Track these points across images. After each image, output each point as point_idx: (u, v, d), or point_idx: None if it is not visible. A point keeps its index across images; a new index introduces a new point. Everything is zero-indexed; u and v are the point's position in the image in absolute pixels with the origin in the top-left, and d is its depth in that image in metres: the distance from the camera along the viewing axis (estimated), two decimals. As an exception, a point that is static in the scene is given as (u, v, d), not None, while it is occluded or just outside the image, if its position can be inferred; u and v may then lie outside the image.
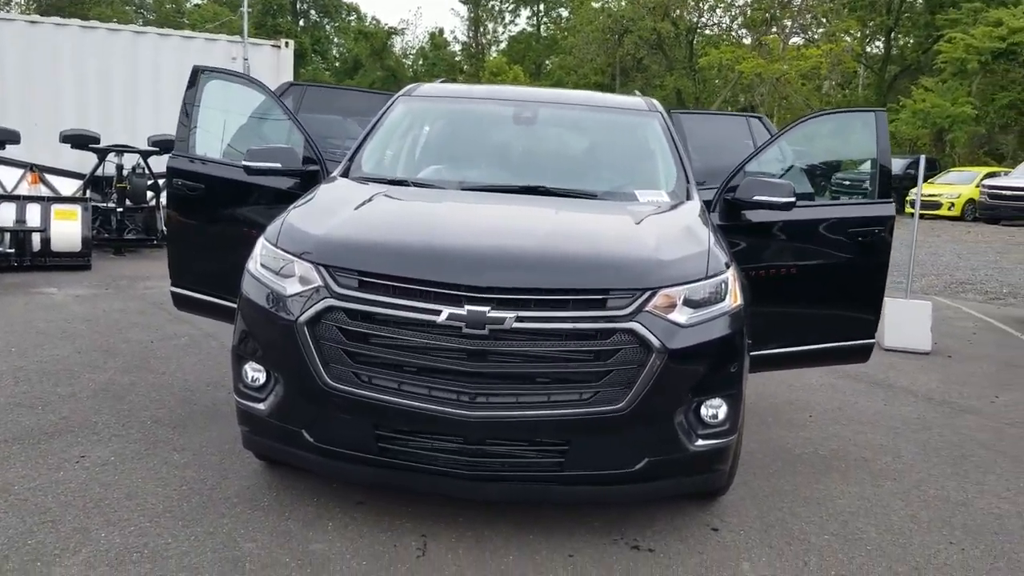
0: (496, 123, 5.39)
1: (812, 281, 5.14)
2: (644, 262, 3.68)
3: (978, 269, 15.73)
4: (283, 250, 3.81)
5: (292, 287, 3.68)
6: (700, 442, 3.68)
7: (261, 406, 3.79)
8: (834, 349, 5.30)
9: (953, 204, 26.80)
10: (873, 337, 5.30)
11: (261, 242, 3.98)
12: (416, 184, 4.73)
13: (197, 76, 5.52)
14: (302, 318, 3.57)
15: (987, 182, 26.28)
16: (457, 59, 65.19)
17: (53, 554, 3.49)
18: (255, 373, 3.84)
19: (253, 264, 3.94)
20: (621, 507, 4.10)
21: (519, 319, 3.43)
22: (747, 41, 47.36)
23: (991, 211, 25.36)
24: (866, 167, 7.44)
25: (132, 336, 7.15)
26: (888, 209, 5.20)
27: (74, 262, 10.36)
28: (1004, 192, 25.31)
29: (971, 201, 26.56)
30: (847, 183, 9.06)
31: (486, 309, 3.41)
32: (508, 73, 50.77)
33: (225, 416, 5.19)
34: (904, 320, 8.40)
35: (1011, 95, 33.83)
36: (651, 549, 3.80)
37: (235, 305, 5.18)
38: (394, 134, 5.24)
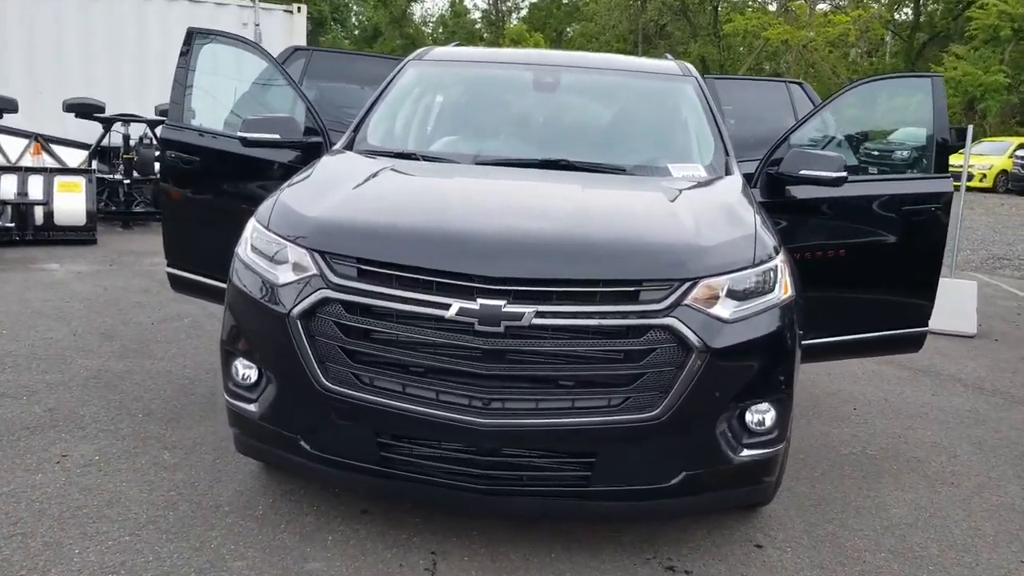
0: (514, 90, 4.91)
1: (861, 264, 4.68)
2: (682, 248, 3.22)
3: (1014, 244, 15.12)
4: (276, 233, 3.39)
5: (285, 275, 3.26)
6: (745, 452, 3.24)
7: (252, 407, 3.39)
8: (884, 338, 4.84)
9: (985, 175, 25.95)
10: (927, 325, 4.84)
11: (252, 224, 3.56)
12: (426, 158, 4.29)
13: (192, 39, 5.10)
14: (295, 311, 3.16)
15: (1020, 153, 25.58)
16: (477, 27, 64.27)
17: (19, 575, 3.12)
18: (246, 370, 3.44)
19: (243, 249, 3.52)
20: (653, 521, 3.68)
21: (539, 314, 2.99)
22: (772, 7, 46.26)
23: (1023, 183, 24.74)
24: (910, 137, 6.93)
25: (132, 317, 6.78)
26: (944, 185, 4.72)
27: (78, 236, 9.99)
28: (1038, 163, 24.67)
29: (1003, 172, 25.80)
30: (892, 155, 8.53)
31: (502, 303, 2.98)
32: (529, 40, 49.98)
33: (222, 408, 4.70)
34: (948, 301, 7.82)
35: (1045, 63, 32.83)
36: (688, 571, 3.38)
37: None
38: (403, 102, 4.78)
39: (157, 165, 11.48)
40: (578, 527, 3.62)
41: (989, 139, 29.72)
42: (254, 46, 5.17)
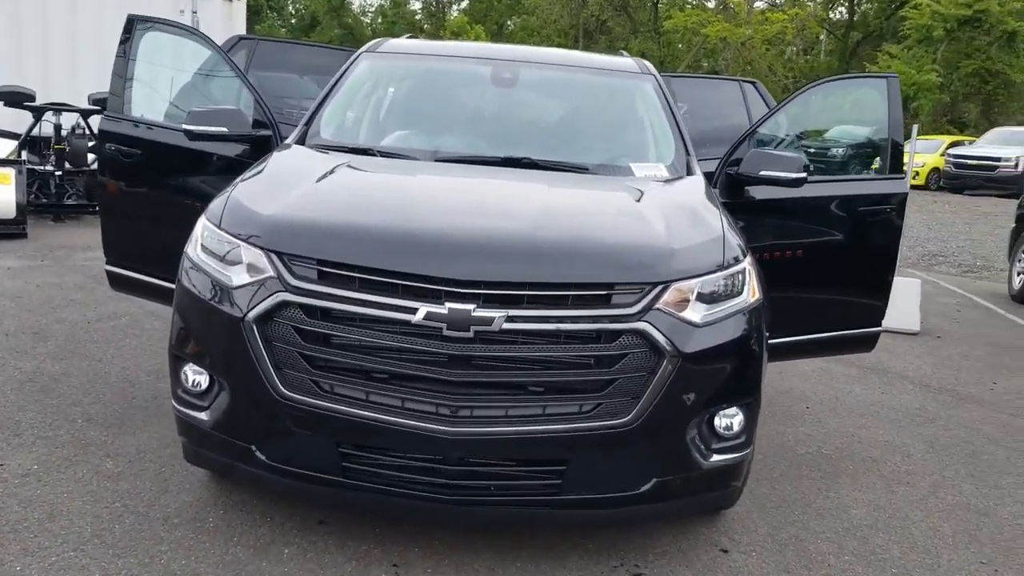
0: (473, 84, 4.79)
1: (818, 265, 4.68)
2: (654, 251, 3.16)
3: (948, 241, 15.51)
4: (228, 232, 3.22)
5: (239, 277, 3.10)
6: (715, 458, 3.20)
7: (203, 415, 3.23)
8: (839, 338, 4.87)
9: (918, 173, 26.58)
10: (880, 325, 4.88)
11: (202, 222, 3.39)
12: (383, 154, 4.15)
13: (132, 27, 4.86)
14: (250, 315, 3.01)
15: (952, 151, 26.29)
16: (417, 17, 63.73)
17: (-47, 597, 2.92)
18: (196, 377, 3.27)
19: (192, 248, 3.35)
20: (620, 527, 3.61)
21: (510, 319, 2.90)
22: (711, 4, 46.82)
23: (956, 180, 25.44)
24: (844, 134, 6.97)
25: (67, 315, 6.49)
26: (900, 186, 4.75)
27: (8, 230, 9.56)
28: (969, 161, 25.37)
29: (935, 170, 26.45)
30: (827, 153, 8.60)
31: (471, 307, 2.88)
32: (470, 33, 49.70)
33: (166, 412, 4.58)
34: (892, 299, 7.97)
35: (975, 63, 33.82)
36: (655, 578, 3.33)
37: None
38: (357, 95, 4.63)
39: (91, 156, 11.11)
40: (543, 534, 3.53)
41: (921, 137, 30.45)
42: (198, 34, 4.97)
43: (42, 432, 4.28)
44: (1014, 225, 10.80)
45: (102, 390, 4.94)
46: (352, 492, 3.10)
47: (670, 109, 4.55)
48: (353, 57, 4.82)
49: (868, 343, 4.91)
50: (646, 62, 5.06)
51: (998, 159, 24.67)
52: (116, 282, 4.99)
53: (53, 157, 10.94)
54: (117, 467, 3.96)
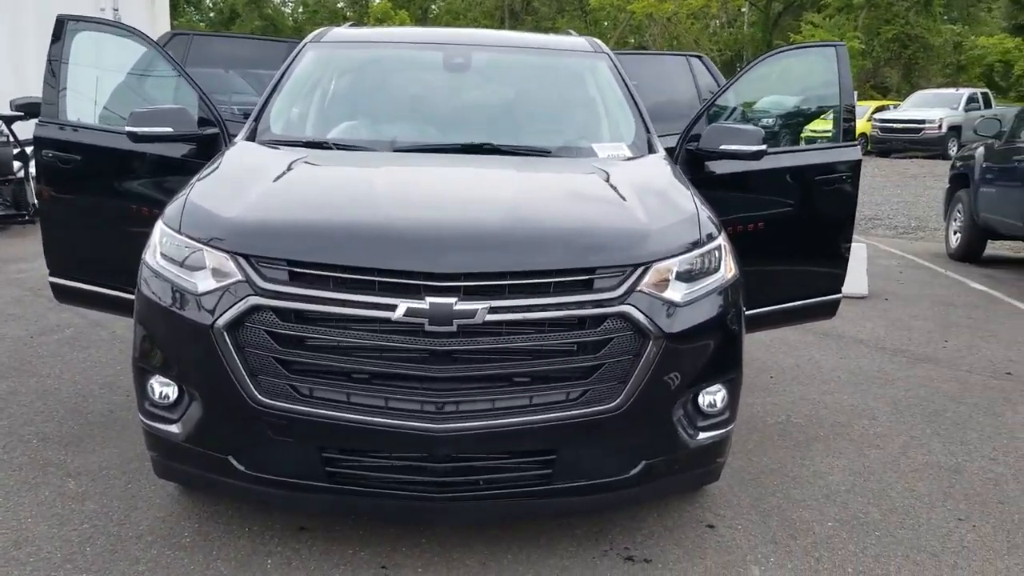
0: (425, 71, 4.69)
1: (779, 235, 4.70)
2: (632, 232, 3.12)
3: (882, 204, 15.84)
4: (189, 236, 3.09)
5: (204, 283, 2.97)
6: (701, 436, 3.18)
7: (174, 428, 3.10)
8: (802, 307, 4.90)
9: (846, 138, 27.12)
10: (840, 291, 4.93)
11: (160, 227, 3.24)
12: (339, 146, 4.04)
13: (63, 27, 4.64)
14: (220, 321, 2.89)
15: (877, 116, 26.89)
16: (340, 5, 62.78)
17: (-79, 638, 2.77)
18: (163, 388, 3.14)
19: (151, 255, 3.20)
20: (608, 512, 3.59)
21: (492, 310, 2.83)
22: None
23: (883, 144, 26.05)
24: (774, 105, 7.02)
25: (7, 331, 6.22)
26: (853, 153, 4.79)
27: (-68, 245, 9.17)
28: (895, 125, 26.00)
29: (863, 135, 27.01)
30: (757, 124, 8.65)
31: (452, 300, 2.80)
32: (394, 19, 49.17)
33: (125, 425, 4.47)
34: (840, 264, 8.13)
35: (895, 28, 34.59)
36: (647, 559, 3.31)
37: (127, 295, 4.45)
38: (305, 87, 4.49)
39: (16, 164, 10.68)
40: (531, 525, 3.49)
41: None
42: (135, 32, 4.76)
43: (-4, 455, 4.10)
44: (948, 186, 11.07)
45: (54, 407, 4.74)
46: (338, 497, 3.01)
47: (626, 87, 4.52)
48: (298, 49, 4.68)
49: (830, 310, 4.96)
50: (598, 41, 5.02)
51: (922, 121, 25.34)
52: (61, 294, 4.78)
53: (-25, 167, 10.48)
54: (80, 487, 3.80)
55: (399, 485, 2.96)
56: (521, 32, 6.61)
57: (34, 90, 10.67)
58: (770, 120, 7.60)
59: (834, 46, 4.86)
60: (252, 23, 56.54)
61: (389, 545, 3.33)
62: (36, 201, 10.30)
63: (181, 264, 3.07)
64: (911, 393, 5.38)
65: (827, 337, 6.62)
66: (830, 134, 5.00)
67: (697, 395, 3.18)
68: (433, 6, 61.32)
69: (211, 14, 62.33)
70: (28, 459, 4.07)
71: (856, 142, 4.84)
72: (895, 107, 27.96)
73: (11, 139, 10.61)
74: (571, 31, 5.70)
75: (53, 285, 4.75)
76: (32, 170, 10.42)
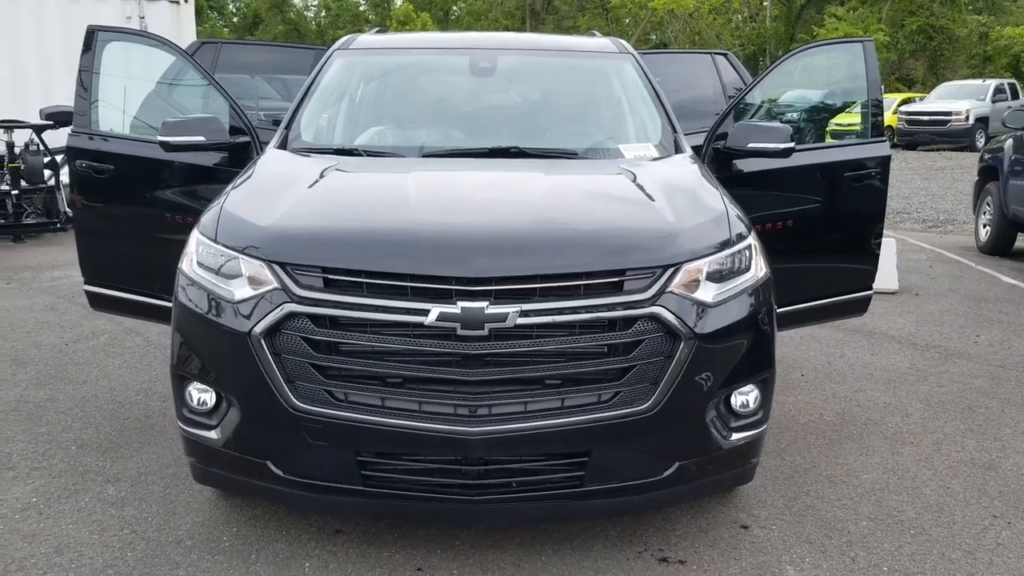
0: (451, 75, 4.72)
1: (808, 233, 4.69)
2: (661, 233, 3.12)
3: (910, 197, 15.68)
4: (225, 245, 3.13)
5: (241, 291, 3.02)
6: (734, 436, 3.19)
7: (213, 435, 3.15)
8: (833, 304, 4.88)
9: (872, 132, 26.87)
10: (871, 287, 4.90)
11: (196, 236, 3.29)
12: (369, 153, 4.07)
13: (93, 38, 4.71)
14: (257, 328, 2.93)
15: (903, 108, 26.61)
16: (362, 8, 63.05)
17: (-30, 642, 2.83)
18: (201, 395, 3.19)
19: (188, 264, 3.25)
20: (642, 513, 3.60)
21: (523, 313, 2.85)
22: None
23: (909, 137, 25.79)
24: (798, 99, 6.99)
25: (43, 339, 6.33)
26: (883, 149, 4.77)
27: (-33, 254, 9.33)
28: (921, 118, 25.72)
29: (889, 128, 26.76)
30: (781, 118, 8.61)
31: (483, 305, 2.83)
32: (416, 21, 49.28)
33: (162, 431, 4.53)
34: (869, 260, 8.07)
35: (920, 20, 34.22)
36: (682, 560, 3.31)
37: (161, 302, 4.52)
38: (334, 95, 4.53)
39: (47, 172, 10.84)
40: (565, 527, 3.51)
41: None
42: (165, 42, 4.82)
43: (36, 462, 4.17)
44: (977, 178, 10.95)
45: (92, 413, 4.82)
46: (373, 500, 3.05)
47: (652, 87, 4.52)
48: (326, 56, 4.72)
49: (861, 306, 4.93)
50: (623, 41, 5.02)
51: (949, 113, 25.06)
52: (96, 301, 4.86)
53: (8, 176, 10.63)
54: (120, 492, 3.86)
55: (433, 488, 2.99)
56: (546, 34, 6.61)
57: (62, 99, 10.88)
58: (794, 114, 7.57)
59: (861, 41, 4.84)
60: (275, 28, 56.93)
61: (424, 547, 3.36)
62: (67, 209, 10.49)
63: (217, 272, 3.12)
64: (944, 389, 5.34)
65: (857, 333, 6.58)
66: (857, 128, 4.97)
67: (730, 396, 3.18)
68: (454, 7, 61.39)
69: (234, 19, 62.82)
70: (67, 465, 4.14)
71: (885, 138, 4.81)
72: (921, 99, 27.65)
73: (41, 148, 10.76)
74: (595, 32, 5.70)
75: (88, 293, 4.83)
76: (64, 179, 10.60)
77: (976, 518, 3.70)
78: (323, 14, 62.98)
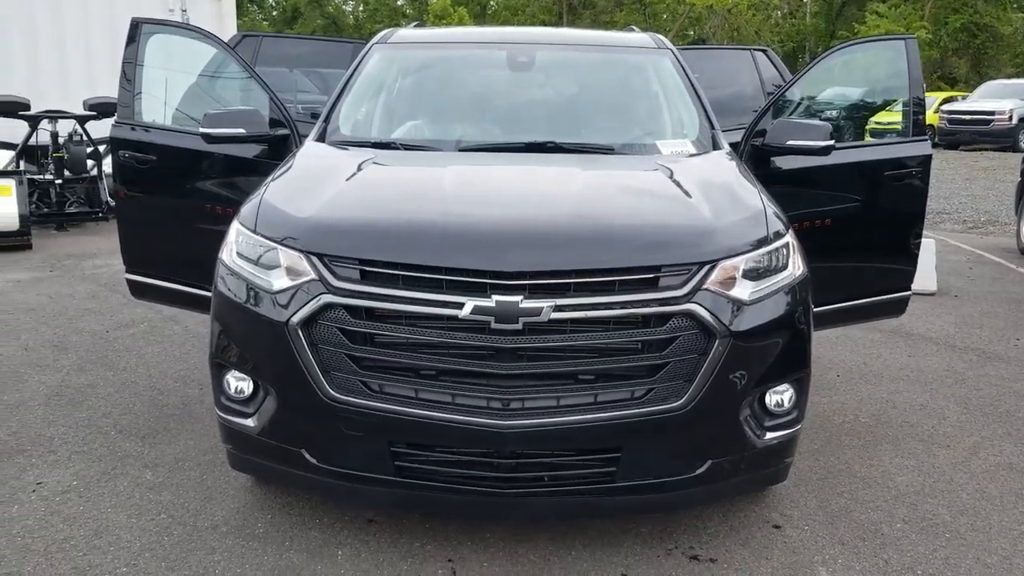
0: (489, 70, 4.73)
1: (847, 232, 4.64)
2: (698, 230, 3.11)
3: (951, 197, 15.44)
4: (264, 236, 3.18)
5: (279, 281, 3.06)
6: (768, 435, 3.17)
7: (250, 422, 3.19)
8: (870, 305, 4.83)
9: (912, 131, 26.45)
10: (910, 288, 4.85)
11: (236, 227, 3.34)
12: (406, 146, 4.10)
13: (137, 30, 4.78)
14: (295, 318, 2.97)
15: (945, 107, 26.19)
16: (400, 3, 63.23)
17: (12, 620, 2.90)
18: (239, 383, 3.24)
19: (228, 254, 3.30)
20: (674, 511, 3.59)
21: (557, 308, 2.86)
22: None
23: (951, 136, 25.37)
24: (838, 97, 6.92)
25: (84, 326, 6.44)
26: (924, 147, 4.71)
27: (12, 242, 9.48)
28: (963, 117, 25.29)
29: (930, 127, 26.34)
30: (820, 116, 8.52)
31: (518, 298, 2.84)
32: (453, 16, 49.34)
33: (199, 418, 4.60)
34: (908, 260, 7.96)
35: (963, 17, 33.66)
36: (713, 559, 3.31)
37: (200, 291, 4.59)
38: (373, 89, 4.56)
39: (90, 162, 11.01)
40: (595, 522, 3.51)
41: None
42: (208, 35, 4.88)
43: (76, 446, 4.25)
44: (1020, 179, 10.75)
45: (131, 400, 4.90)
46: (405, 490, 3.08)
47: (690, 83, 4.50)
48: (365, 50, 4.75)
49: (899, 307, 4.88)
50: (661, 37, 5.00)
51: (992, 113, 24.63)
52: (137, 290, 4.95)
53: (52, 165, 10.83)
54: (157, 478, 3.93)
55: (465, 480, 3.01)
56: (584, 30, 6.59)
57: (106, 91, 11.06)
58: (833, 112, 7.50)
59: (904, 39, 4.78)
60: (314, 22, 57.33)
61: (455, 539, 3.39)
62: (109, 199, 10.66)
63: (256, 263, 3.16)
64: (981, 392, 5.27)
65: (894, 335, 6.50)
66: (898, 126, 4.91)
67: (764, 394, 3.17)
68: (491, 2, 61.38)
69: (274, 13, 63.32)
70: (106, 450, 4.21)
71: (926, 136, 4.75)
72: (963, 98, 27.18)
73: (84, 138, 10.94)
74: (634, 27, 5.68)
75: (129, 282, 4.92)
76: (106, 169, 10.77)
77: (1013, 523, 3.65)
78: (361, 8, 63.28)
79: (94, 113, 10.75)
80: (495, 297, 2.84)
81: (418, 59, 4.85)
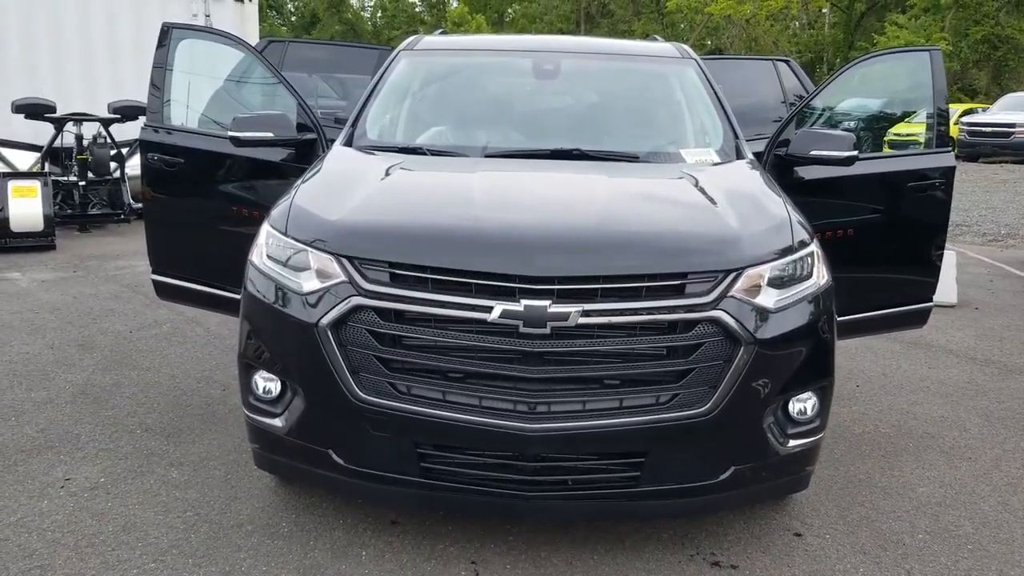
0: (515, 78, 4.78)
1: (869, 242, 4.65)
2: (724, 237, 3.14)
3: (970, 210, 15.35)
4: (294, 239, 3.22)
5: (309, 283, 3.10)
6: (791, 443, 3.19)
7: (278, 422, 3.23)
8: (892, 315, 4.83)
9: (932, 143, 26.32)
10: (932, 300, 4.85)
11: (266, 229, 3.38)
12: (433, 152, 4.14)
13: (168, 35, 4.85)
14: (324, 320, 3.01)
15: (965, 119, 26.05)
16: (418, 10, 63.59)
17: (43, 613, 2.94)
18: (267, 383, 3.28)
19: (258, 256, 3.35)
20: (696, 517, 3.61)
21: (585, 313, 2.89)
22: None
23: (971, 148, 25.22)
24: (856, 107, 6.92)
25: (108, 326, 6.51)
26: (947, 159, 4.71)
27: (37, 243, 9.60)
28: (983, 129, 25.15)
29: (950, 139, 26.21)
30: (839, 126, 8.50)
31: (546, 303, 2.87)
32: (471, 23, 49.58)
33: (222, 419, 4.65)
34: (927, 272, 7.94)
35: (984, 29, 33.48)
36: (734, 565, 3.32)
37: (226, 293, 4.65)
38: (399, 95, 4.61)
39: (113, 165, 11.12)
40: (617, 527, 3.53)
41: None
42: (237, 40, 4.95)
43: (103, 444, 4.31)
44: (1042, 192, 10.71)
45: (155, 399, 4.96)
46: (431, 492, 3.11)
47: (714, 92, 4.53)
48: (392, 56, 4.81)
49: (921, 318, 4.88)
50: (686, 47, 5.03)
51: (1012, 125, 24.46)
52: (162, 291, 5.01)
53: (76, 167, 10.94)
54: (183, 476, 3.98)
55: (490, 482, 3.04)
56: (608, 39, 6.64)
57: (131, 94, 11.17)
58: (852, 123, 7.50)
59: (929, 51, 4.79)
60: (332, 28, 57.71)
61: (478, 541, 3.41)
62: (131, 200, 10.76)
63: (286, 264, 3.20)
64: (1003, 405, 5.25)
65: (915, 346, 6.49)
66: (917, 138, 4.92)
67: (788, 402, 3.19)
68: (509, 10, 61.62)
69: (292, 19, 63.79)
70: (133, 448, 4.27)
71: (949, 148, 4.75)
72: (983, 110, 27.04)
73: (108, 141, 11.05)
74: (657, 36, 5.72)
75: (155, 282, 4.98)
76: (128, 171, 10.88)
77: (1035, 536, 3.65)
78: (379, 15, 63.67)
79: (118, 116, 10.85)
80: (524, 301, 2.87)
81: (444, 66, 4.90)
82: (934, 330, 6.87)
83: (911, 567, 3.36)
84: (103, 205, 11.10)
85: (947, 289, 7.87)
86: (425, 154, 4.10)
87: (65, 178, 10.99)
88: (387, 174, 3.61)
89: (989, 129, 25.02)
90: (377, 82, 4.57)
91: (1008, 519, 3.79)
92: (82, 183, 10.90)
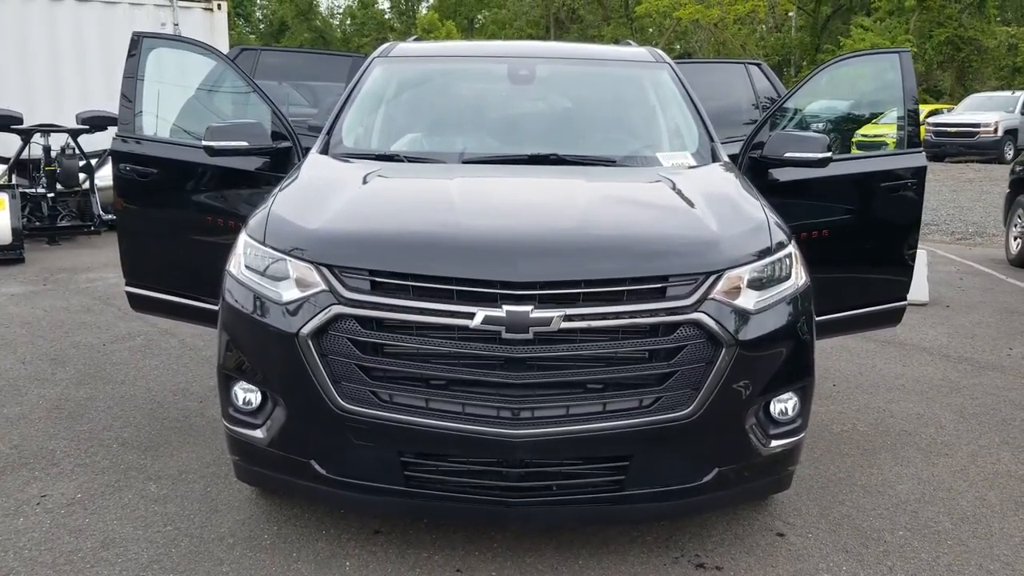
0: (490, 83, 4.77)
1: (843, 243, 4.69)
2: (704, 240, 3.15)
3: (938, 209, 15.56)
4: (273, 248, 3.19)
5: (288, 292, 3.07)
6: (773, 443, 3.21)
7: (258, 433, 3.20)
8: (867, 315, 4.87)
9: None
10: (905, 299, 4.90)
11: (244, 239, 3.35)
12: (410, 159, 4.13)
13: (139, 44, 4.80)
14: (305, 329, 2.98)
15: (931, 120, 26.40)
16: (387, 16, 63.47)
17: (22, 633, 2.89)
18: (247, 395, 3.25)
19: (236, 266, 3.32)
20: (679, 519, 3.62)
21: (567, 318, 2.89)
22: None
23: (937, 148, 25.56)
24: (825, 109, 6.98)
25: (81, 339, 6.43)
26: (919, 159, 4.76)
27: (4, 256, 9.45)
28: (949, 129, 25.51)
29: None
30: (808, 129, 8.58)
31: (528, 309, 2.87)
32: (441, 30, 49.56)
33: (199, 431, 4.60)
34: (899, 271, 8.03)
35: (947, 31, 33.97)
36: (719, 566, 3.33)
37: (201, 304, 4.60)
38: (375, 102, 4.59)
39: (82, 176, 10.99)
40: (600, 530, 3.53)
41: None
42: (210, 49, 4.91)
43: (79, 460, 4.25)
44: (1008, 190, 10.87)
45: (131, 413, 4.90)
46: (415, 500, 3.09)
47: (688, 96, 4.55)
48: (366, 63, 4.79)
49: (895, 317, 4.92)
50: (659, 51, 5.06)
51: (977, 125, 24.85)
52: (136, 302, 4.94)
53: (44, 179, 10.81)
54: (162, 490, 3.93)
55: (474, 489, 3.03)
56: (583, 44, 6.65)
57: (99, 104, 11.05)
58: (820, 125, 7.56)
59: (898, 52, 4.85)
60: (301, 35, 57.46)
61: (462, 548, 3.40)
62: (101, 212, 10.64)
63: (264, 274, 3.18)
64: (977, 401, 5.32)
65: (889, 345, 6.56)
66: (885, 139, 4.98)
67: (769, 403, 3.21)
68: (479, 16, 61.67)
69: (261, 26, 63.42)
70: (109, 463, 4.21)
71: (920, 148, 4.81)
72: (949, 111, 27.44)
73: (77, 152, 10.92)
74: (630, 41, 5.74)
75: (129, 294, 4.91)
76: (98, 182, 10.75)
77: (1014, 530, 3.69)
78: (348, 22, 63.47)
79: (87, 127, 10.74)
80: (506, 307, 2.87)
81: (419, 72, 4.89)
82: (907, 329, 6.94)
83: (893, 564, 3.39)
84: (72, 217, 10.97)
85: (919, 288, 7.95)
86: (402, 161, 4.09)
87: (33, 190, 10.85)
88: (365, 182, 3.59)
89: (955, 129, 25.39)
90: (352, 89, 4.55)
91: (986, 514, 3.83)
92: (51, 195, 10.76)
